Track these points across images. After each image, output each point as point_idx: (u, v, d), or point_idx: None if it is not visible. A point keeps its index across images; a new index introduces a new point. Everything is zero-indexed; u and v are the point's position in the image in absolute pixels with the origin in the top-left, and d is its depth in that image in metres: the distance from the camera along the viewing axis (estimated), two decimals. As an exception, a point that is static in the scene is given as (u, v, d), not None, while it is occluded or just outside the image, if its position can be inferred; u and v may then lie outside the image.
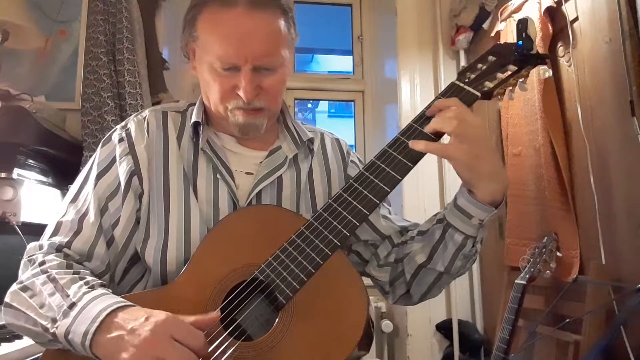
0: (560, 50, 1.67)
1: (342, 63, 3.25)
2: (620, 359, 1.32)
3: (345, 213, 0.80)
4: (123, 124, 0.96)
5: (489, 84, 0.87)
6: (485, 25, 2.18)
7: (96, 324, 0.68)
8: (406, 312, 2.24)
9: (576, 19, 1.60)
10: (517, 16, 1.83)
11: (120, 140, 0.92)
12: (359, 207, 0.80)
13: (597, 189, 1.48)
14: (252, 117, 0.91)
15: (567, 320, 1.44)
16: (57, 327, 0.71)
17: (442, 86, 2.28)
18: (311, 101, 3.59)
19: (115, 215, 0.86)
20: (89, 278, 0.78)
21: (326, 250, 0.77)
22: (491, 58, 0.90)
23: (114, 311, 0.69)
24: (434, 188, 2.32)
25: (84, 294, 0.73)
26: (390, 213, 1.02)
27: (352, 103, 2.93)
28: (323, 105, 3.94)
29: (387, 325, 2.28)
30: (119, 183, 0.88)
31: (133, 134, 0.92)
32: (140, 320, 0.67)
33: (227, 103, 0.90)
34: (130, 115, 1.01)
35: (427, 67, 2.45)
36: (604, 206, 1.47)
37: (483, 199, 0.82)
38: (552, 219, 1.65)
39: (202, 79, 0.93)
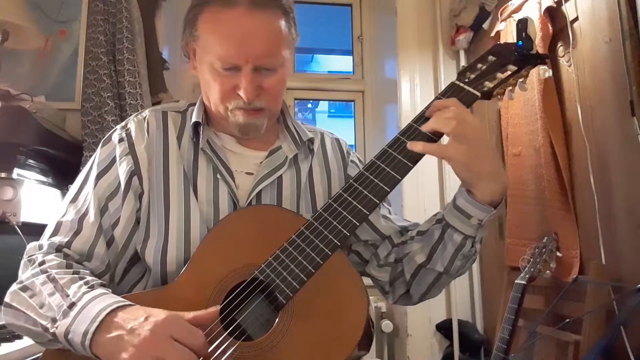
0: (560, 50, 1.67)
1: (342, 63, 3.25)
2: (620, 359, 1.32)
3: (345, 213, 0.80)
4: (123, 124, 0.96)
5: (488, 84, 0.87)
6: (485, 25, 2.18)
7: (96, 324, 0.68)
8: (406, 312, 2.24)
9: (576, 19, 1.60)
10: (517, 16, 1.83)
11: (121, 140, 0.92)
12: (359, 207, 0.80)
13: (597, 189, 1.48)
14: (253, 117, 0.91)
15: (567, 320, 1.44)
16: (57, 327, 0.71)
17: (442, 86, 2.28)
18: (311, 101, 3.59)
19: (115, 215, 0.86)
20: (89, 278, 0.78)
21: (326, 250, 0.77)
22: (491, 58, 0.90)
23: (114, 311, 0.69)
24: (434, 188, 2.32)
25: (84, 293, 0.73)
26: (390, 213, 1.02)
27: (352, 103, 2.93)
28: (323, 105, 3.94)
29: (387, 325, 2.28)
30: (119, 183, 0.88)
31: (133, 134, 0.92)
32: (140, 320, 0.67)
33: (227, 103, 0.90)
34: (130, 115, 1.01)
35: (427, 67, 2.45)
36: (604, 206, 1.47)
37: (482, 199, 0.82)
38: (552, 219, 1.65)
39: (202, 79, 0.93)
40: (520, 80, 0.91)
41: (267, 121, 0.93)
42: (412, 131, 0.84)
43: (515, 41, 0.89)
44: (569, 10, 1.62)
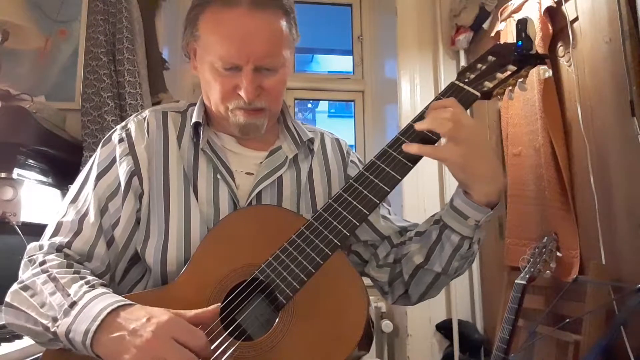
0: (560, 50, 1.67)
1: (342, 63, 3.25)
2: (620, 359, 1.32)
3: (345, 213, 0.80)
4: (123, 124, 0.96)
5: (488, 84, 0.87)
6: (485, 25, 2.18)
7: (97, 323, 0.68)
8: (406, 312, 2.24)
9: (576, 19, 1.60)
10: (517, 16, 1.83)
11: (121, 140, 0.92)
12: (359, 207, 0.80)
13: (597, 189, 1.48)
14: (253, 117, 0.91)
15: (567, 320, 1.44)
16: (57, 326, 0.71)
17: (442, 86, 2.28)
18: (311, 101, 3.60)
19: (116, 216, 0.86)
20: (90, 277, 0.78)
21: (326, 250, 0.77)
22: (491, 58, 0.91)
23: (115, 310, 0.69)
24: (434, 188, 2.32)
25: (85, 293, 0.73)
26: (389, 213, 1.02)
27: (352, 103, 2.93)
28: (323, 105, 3.94)
29: (387, 325, 2.28)
30: (119, 183, 0.88)
31: (133, 134, 0.92)
32: (142, 321, 0.67)
33: (228, 103, 0.90)
34: (130, 115, 1.01)
35: (427, 67, 2.45)
36: (604, 206, 1.47)
37: (479, 200, 0.82)
38: (552, 219, 1.65)
39: (203, 79, 0.93)
40: (520, 80, 0.92)
41: (267, 121, 0.93)
42: (412, 132, 0.84)
43: (515, 41, 0.89)
44: (569, 10, 1.62)
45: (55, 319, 0.72)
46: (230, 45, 0.85)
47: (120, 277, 0.90)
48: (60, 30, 2.18)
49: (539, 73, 1.62)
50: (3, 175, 1.54)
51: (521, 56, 0.88)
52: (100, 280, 0.79)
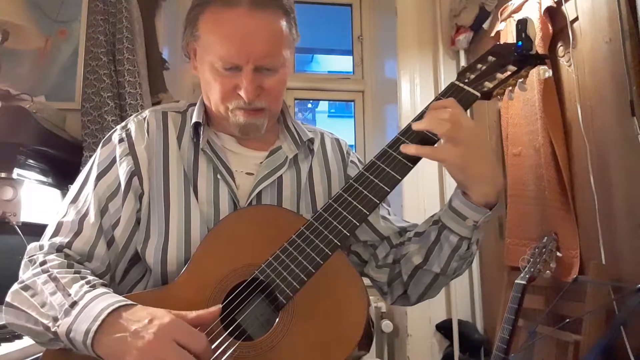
0: (560, 50, 1.67)
1: (342, 63, 3.25)
2: (620, 359, 1.32)
3: (345, 213, 0.80)
4: (123, 124, 0.96)
5: (488, 84, 0.87)
6: (485, 25, 2.18)
7: (98, 323, 0.68)
8: (406, 312, 2.24)
9: (576, 19, 1.60)
10: (517, 16, 1.83)
11: (121, 140, 0.92)
12: (359, 207, 0.80)
13: (597, 189, 1.48)
14: (253, 118, 0.91)
15: (567, 320, 1.44)
16: (58, 326, 0.71)
17: (442, 86, 2.28)
18: (311, 101, 3.60)
19: (116, 216, 0.86)
20: (90, 277, 0.78)
21: (326, 250, 0.77)
22: (491, 58, 0.91)
23: (117, 310, 0.69)
24: (434, 188, 2.32)
25: (86, 292, 0.73)
26: (389, 214, 1.02)
27: (352, 103, 2.93)
28: (323, 105, 3.94)
29: (387, 325, 2.28)
30: (119, 184, 0.88)
31: (133, 134, 0.92)
32: (144, 322, 0.67)
33: (228, 103, 0.90)
34: (130, 115, 1.01)
35: (427, 67, 2.45)
36: (604, 206, 1.47)
37: (477, 201, 0.83)
38: (552, 219, 1.65)
39: (203, 79, 0.93)
40: (520, 80, 0.92)
41: (267, 121, 0.93)
42: (412, 132, 0.84)
43: (515, 41, 0.89)
44: (569, 10, 1.62)
45: (55, 319, 0.72)
46: (230, 45, 0.85)
47: (120, 277, 0.90)
48: (60, 30, 2.18)
49: (539, 73, 1.62)
50: (3, 175, 1.54)
51: (521, 56, 0.88)
52: (101, 280, 0.80)
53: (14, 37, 1.89)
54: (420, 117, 0.85)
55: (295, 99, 2.93)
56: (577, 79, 1.59)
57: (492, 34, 2.04)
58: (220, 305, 0.73)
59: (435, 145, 0.82)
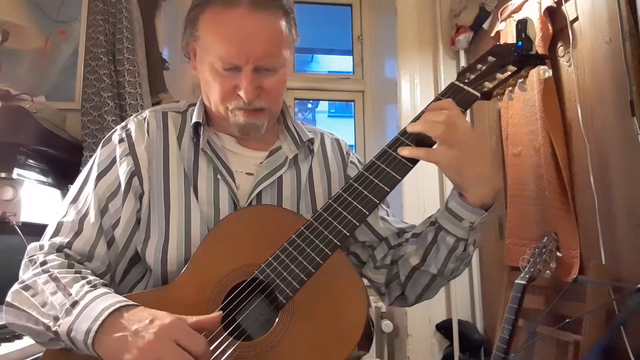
0: (560, 50, 1.67)
1: (342, 63, 3.26)
2: (620, 359, 1.32)
3: (345, 213, 0.80)
4: (123, 124, 0.96)
5: (488, 85, 0.87)
6: (485, 25, 2.18)
7: (99, 322, 0.68)
8: (406, 312, 2.24)
9: (576, 19, 1.60)
10: (517, 16, 1.83)
11: (121, 140, 0.92)
12: (359, 207, 0.80)
13: (597, 189, 1.48)
14: (253, 118, 0.91)
15: (567, 320, 1.44)
16: (59, 325, 0.71)
17: (442, 86, 2.28)
18: (311, 101, 3.60)
19: (116, 216, 0.86)
20: (91, 277, 0.78)
21: (326, 250, 0.77)
22: (491, 58, 0.91)
23: (118, 310, 0.70)
24: (434, 188, 2.33)
25: (87, 292, 0.73)
26: (388, 215, 1.02)
27: (352, 103, 2.94)
28: (323, 105, 3.94)
29: (387, 325, 2.29)
30: (119, 184, 0.88)
31: (133, 134, 0.92)
32: (145, 322, 0.67)
33: (227, 103, 0.90)
34: (130, 115, 1.01)
35: (427, 67, 2.45)
36: (604, 206, 1.47)
37: (473, 202, 0.83)
38: (552, 219, 1.65)
39: (202, 79, 0.93)
40: (520, 80, 0.92)
41: (267, 121, 0.93)
42: (410, 132, 0.84)
43: (514, 41, 0.89)
44: (569, 10, 1.62)
45: (56, 318, 0.72)
46: (230, 46, 0.85)
47: (120, 277, 0.90)
48: (60, 30, 2.18)
49: (539, 73, 1.62)
50: (3, 175, 1.54)
51: (521, 57, 0.88)
52: (102, 280, 0.80)
53: (14, 37, 1.89)
54: (418, 118, 0.85)
55: (295, 99, 2.93)
56: (577, 79, 1.59)
57: (492, 34, 2.04)
58: (222, 313, 0.73)
59: (434, 147, 0.82)
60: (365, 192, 0.81)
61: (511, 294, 1.56)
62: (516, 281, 1.56)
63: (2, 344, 1.16)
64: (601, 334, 1.38)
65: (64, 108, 2.06)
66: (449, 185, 2.29)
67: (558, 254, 1.59)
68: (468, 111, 0.86)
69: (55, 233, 0.85)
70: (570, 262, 1.56)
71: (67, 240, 0.83)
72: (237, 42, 0.85)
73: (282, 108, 1.00)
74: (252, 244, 0.82)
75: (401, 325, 2.30)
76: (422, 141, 0.82)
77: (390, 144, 0.84)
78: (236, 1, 0.85)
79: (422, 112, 0.85)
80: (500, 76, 0.88)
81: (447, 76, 2.38)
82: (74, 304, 0.72)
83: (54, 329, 0.72)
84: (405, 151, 0.81)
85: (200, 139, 0.92)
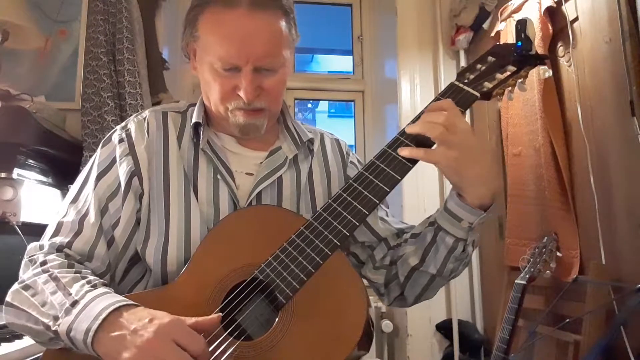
0: (560, 50, 1.67)
1: (342, 63, 3.25)
2: (620, 359, 1.32)
3: (345, 213, 0.80)
4: (123, 124, 0.96)
5: (488, 85, 0.87)
6: (485, 25, 2.18)
7: (98, 322, 0.68)
8: (406, 312, 2.24)
9: (576, 19, 1.60)
10: (517, 16, 1.83)
11: (121, 140, 0.92)
12: (359, 207, 0.80)
13: (597, 189, 1.48)
14: (253, 118, 0.91)
15: (567, 320, 1.44)
16: (59, 325, 0.71)
17: (442, 86, 2.28)
18: (311, 101, 3.60)
19: (116, 216, 0.86)
20: (91, 277, 0.78)
21: (326, 250, 0.77)
22: (490, 59, 0.91)
23: (118, 310, 0.70)
24: (434, 188, 2.33)
25: (87, 292, 0.73)
26: (387, 215, 1.02)
27: (352, 103, 2.93)
28: (323, 105, 3.94)
29: (387, 325, 2.28)
30: (119, 184, 0.88)
31: (133, 134, 0.92)
32: (144, 322, 0.67)
33: (227, 103, 0.90)
34: (130, 115, 1.01)
35: (427, 67, 2.45)
36: (604, 206, 1.47)
37: (472, 203, 0.83)
38: (552, 219, 1.65)
39: (202, 79, 0.93)
40: (520, 80, 0.92)
41: (267, 121, 0.93)
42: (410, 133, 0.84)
43: (514, 42, 0.89)
44: (569, 10, 1.62)
45: (56, 318, 0.72)
46: (230, 46, 0.85)
47: (120, 277, 0.90)
48: (60, 30, 2.18)
49: (539, 73, 1.62)
50: (3, 175, 1.54)
51: (521, 57, 0.88)
52: (102, 280, 0.80)
53: (14, 37, 1.89)
54: (418, 118, 0.85)
55: (295, 99, 2.93)
56: (577, 79, 1.59)
57: (492, 34, 2.04)
58: (221, 314, 0.73)
59: (433, 147, 0.82)
60: (365, 192, 0.81)
61: (511, 294, 1.56)
62: (516, 281, 1.56)
63: (2, 344, 1.16)
64: (601, 334, 1.38)
65: (64, 108, 2.06)
66: (449, 186, 2.27)
67: (558, 254, 1.59)
68: (468, 111, 0.86)
69: (55, 233, 0.85)
70: (570, 262, 1.56)
71: (67, 240, 0.84)
72: (237, 42, 0.85)
73: (282, 108, 1.00)
74: (252, 244, 0.82)
75: (401, 325, 2.30)
76: (422, 141, 0.82)
77: (390, 144, 0.84)
78: (236, 1, 0.85)
79: (422, 112, 0.85)
80: (499, 76, 0.88)
81: (447, 76, 2.38)
82: (74, 303, 0.72)
83: (53, 329, 0.72)
84: (405, 151, 0.81)
85: (200, 139, 0.92)
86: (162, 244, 0.86)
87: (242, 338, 0.75)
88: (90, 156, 0.96)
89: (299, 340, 0.74)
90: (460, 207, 0.84)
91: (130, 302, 0.72)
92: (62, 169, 1.85)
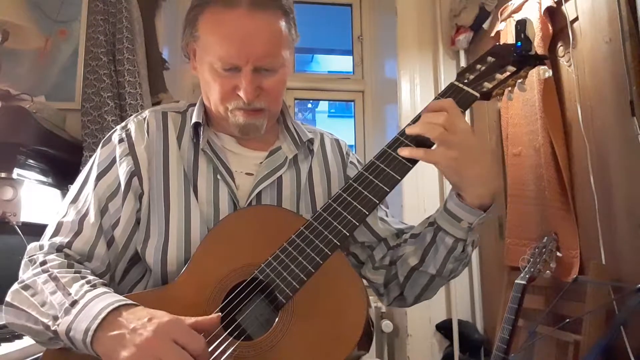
0: (560, 50, 1.67)
1: (342, 63, 3.25)
2: (620, 359, 1.32)
3: (345, 213, 0.80)
4: (123, 124, 0.96)
5: (487, 85, 0.87)
6: (485, 25, 2.18)
7: (97, 321, 0.68)
8: (406, 312, 2.24)
9: (576, 19, 1.60)
10: (517, 16, 1.83)
11: (120, 140, 0.92)
12: (359, 207, 0.80)
13: (597, 189, 1.48)
14: (253, 118, 0.91)
15: (567, 320, 1.44)
16: (58, 325, 0.71)
17: (442, 86, 2.28)
18: (311, 101, 3.60)
19: (115, 216, 0.86)
20: (91, 277, 0.79)
21: (326, 250, 0.77)
22: (490, 59, 0.91)
23: (117, 309, 0.70)
24: (434, 188, 2.33)
25: (86, 292, 0.73)
26: (387, 215, 1.02)
27: (352, 103, 2.93)
28: (323, 105, 3.94)
29: (387, 325, 2.28)
30: (119, 184, 0.88)
31: (133, 134, 0.92)
32: (143, 321, 0.67)
33: (227, 103, 0.90)
34: (130, 115, 1.01)
35: (427, 67, 2.45)
36: (604, 206, 1.47)
37: (471, 203, 0.83)
38: (552, 219, 1.65)
39: (202, 79, 0.93)
40: (519, 81, 0.92)
41: (267, 121, 0.93)
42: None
43: (514, 42, 0.89)
44: (569, 10, 1.62)
45: (55, 318, 0.72)
46: (230, 46, 0.85)
47: (120, 277, 0.90)
48: (60, 30, 2.18)
49: (539, 73, 1.62)
50: (3, 175, 1.54)
51: (520, 57, 0.88)
52: (101, 280, 0.80)
53: (14, 37, 1.89)
54: (417, 118, 0.85)
55: (295, 99, 2.93)
56: (577, 79, 1.59)
57: (492, 34, 2.04)
58: (221, 314, 0.73)
59: (433, 147, 0.82)
60: (365, 192, 0.81)
61: (511, 294, 1.56)
62: (516, 281, 1.56)
63: (2, 344, 1.16)
64: (601, 334, 1.38)
65: (64, 108, 2.06)
66: (448, 186, 2.26)
67: (558, 254, 1.59)
68: (468, 111, 0.86)
69: (55, 233, 0.85)
70: (570, 262, 1.56)
71: (66, 240, 0.84)
72: (236, 43, 0.85)
73: (281, 108, 1.00)
74: (252, 244, 0.82)
75: (401, 325, 2.30)
76: (422, 141, 0.82)
77: (390, 144, 0.84)
78: (236, 1, 0.85)
79: (422, 112, 0.85)
80: (499, 76, 0.88)
81: (447, 76, 2.38)
82: (73, 303, 0.72)
83: (53, 329, 0.72)
84: (405, 151, 0.81)
85: (200, 139, 0.92)
86: (162, 244, 0.86)
87: (242, 338, 0.75)
88: (90, 156, 0.96)
89: (299, 340, 0.74)
90: (460, 207, 0.84)
91: (130, 301, 0.72)
92: (62, 169, 1.85)
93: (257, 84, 0.87)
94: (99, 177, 0.88)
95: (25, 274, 0.80)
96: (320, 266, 0.77)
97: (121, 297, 0.73)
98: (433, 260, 0.88)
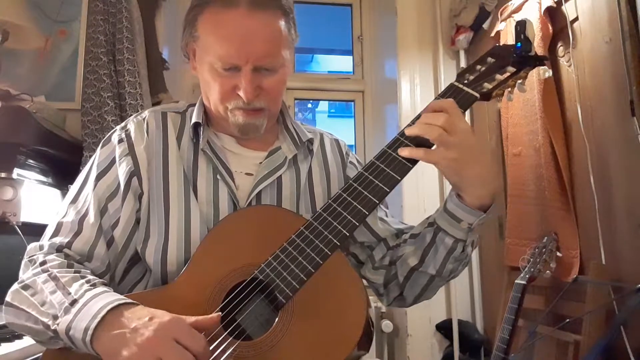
0: (560, 50, 1.67)
1: (342, 63, 3.25)
2: (620, 359, 1.32)
3: (345, 213, 0.80)
4: (123, 124, 0.96)
5: (487, 85, 0.88)
6: (485, 25, 2.18)
7: (97, 320, 0.68)
8: (406, 312, 2.24)
9: (576, 19, 1.60)
10: (517, 16, 1.83)
11: (120, 141, 0.92)
12: (359, 207, 0.80)
13: (597, 189, 1.48)
14: (252, 118, 0.91)
15: (567, 320, 1.44)
16: (58, 324, 0.71)
17: (442, 86, 2.28)
18: (311, 101, 3.60)
19: (115, 216, 0.86)
20: (90, 277, 0.79)
21: (326, 250, 0.77)
22: (490, 59, 0.91)
23: (117, 308, 0.70)
24: (434, 188, 2.33)
25: (86, 291, 0.74)
26: (387, 215, 1.02)
27: (352, 103, 2.93)
28: (323, 105, 3.94)
29: (387, 325, 2.28)
30: (119, 184, 0.88)
31: (133, 134, 0.92)
32: (144, 320, 0.67)
33: (227, 103, 0.90)
34: (130, 115, 1.01)
35: (427, 67, 2.45)
36: (604, 206, 1.47)
37: (471, 203, 0.83)
38: (552, 219, 1.65)
39: (202, 79, 0.93)
40: (519, 81, 0.92)
41: (266, 121, 0.93)
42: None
43: (514, 42, 0.89)
44: (569, 10, 1.62)
45: (55, 317, 0.72)
46: (230, 46, 0.85)
47: (120, 277, 0.90)
48: (60, 30, 2.18)
49: (539, 73, 1.62)
50: (3, 175, 1.54)
51: (520, 58, 0.88)
52: (101, 280, 0.80)
53: (14, 37, 1.89)
54: (417, 119, 0.85)
55: (295, 99, 2.93)
56: (577, 79, 1.59)
57: (492, 34, 2.04)
58: (221, 313, 0.73)
59: (433, 147, 0.82)
60: (365, 193, 0.81)
61: (511, 294, 1.56)
62: (516, 281, 1.56)
63: (2, 344, 1.17)
64: (601, 334, 1.38)
65: (64, 108, 2.06)
66: (449, 186, 2.27)
67: (558, 254, 1.59)
68: (468, 111, 0.86)
69: (55, 233, 0.85)
70: (570, 262, 1.56)
71: (66, 240, 0.84)
72: (236, 42, 0.85)
73: (281, 108, 1.00)
74: (252, 244, 0.82)
75: (401, 325, 2.30)
76: (422, 141, 0.82)
77: (390, 145, 0.84)
78: (235, 1, 0.85)
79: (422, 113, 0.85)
80: (499, 77, 0.88)
81: (447, 76, 2.38)
82: (73, 302, 0.72)
83: (53, 328, 0.72)
84: (405, 152, 0.81)
85: (200, 139, 0.92)
86: (162, 244, 0.86)
87: (242, 338, 0.75)
88: (90, 156, 0.96)
89: (298, 340, 0.74)
90: (460, 207, 0.84)
91: (130, 300, 0.72)
92: (62, 169, 1.85)
93: (256, 84, 0.87)
94: (99, 178, 0.88)
95: (25, 274, 0.81)
96: (320, 266, 0.77)
97: (121, 296, 0.73)
98: (433, 261, 0.88)
